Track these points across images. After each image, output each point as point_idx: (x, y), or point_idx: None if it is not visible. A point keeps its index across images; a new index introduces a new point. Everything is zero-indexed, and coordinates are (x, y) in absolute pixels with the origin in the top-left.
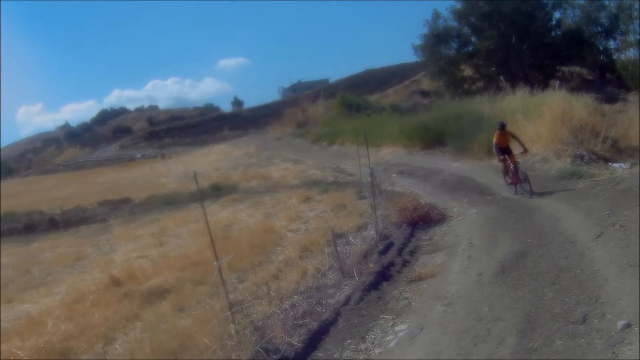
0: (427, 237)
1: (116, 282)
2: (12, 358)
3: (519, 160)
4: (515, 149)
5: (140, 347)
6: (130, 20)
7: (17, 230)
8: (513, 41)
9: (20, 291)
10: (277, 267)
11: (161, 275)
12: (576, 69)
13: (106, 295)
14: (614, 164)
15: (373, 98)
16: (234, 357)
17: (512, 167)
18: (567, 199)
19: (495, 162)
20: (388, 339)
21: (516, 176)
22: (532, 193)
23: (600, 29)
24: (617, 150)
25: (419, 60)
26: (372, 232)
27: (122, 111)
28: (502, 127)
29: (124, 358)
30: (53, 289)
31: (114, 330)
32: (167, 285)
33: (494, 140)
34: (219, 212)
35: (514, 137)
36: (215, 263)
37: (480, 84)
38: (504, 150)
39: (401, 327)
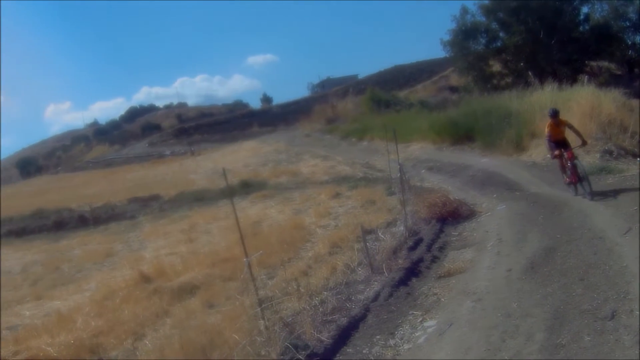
0: (456, 233)
1: (146, 279)
2: (42, 354)
3: (577, 154)
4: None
5: (169, 343)
6: (158, 18)
7: (47, 228)
8: (541, 36)
9: (50, 288)
10: (306, 264)
11: (191, 271)
12: (604, 63)
13: (136, 292)
14: None
15: (402, 94)
16: (263, 353)
17: (569, 163)
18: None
19: (524, 158)
20: (417, 334)
21: (575, 174)
22: (592, 194)
23: (628, 24)
24: None
25: (447, 55)
26: (402, 228)
27: (151, 108)
28: (555, 114)
29: (154, 354)
30: (83, 285)
31: (144, 326)
32: (196, 281)
33: (546, 131)
34: (249, 209)
35: (570, 126)
36: (245, 259)
37: (508, 80)
38: (559, 144)
39: (430, 323)
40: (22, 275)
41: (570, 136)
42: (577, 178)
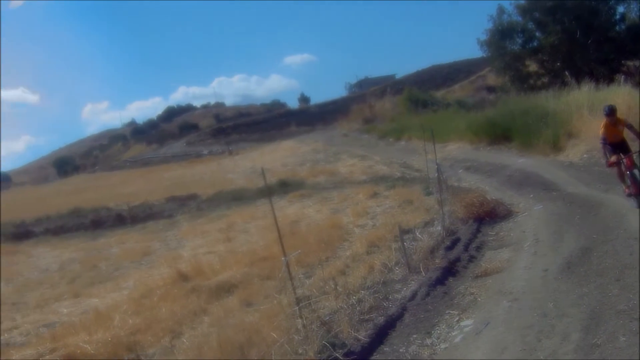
0: (493, 233)
1: (184, 277)
2: (79, 352)
3: (637, 160)
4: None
5: (207, 341)
6: (196, 17)
7: (84, 226)
8: (577, 36)
9: (88, 286)
10: (344, 263)
11: (229, 270)
12: None
13: (173, 290)
14: None
15: (439, 94)
16: (300, 352)
17: (628, 172)
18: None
19: (561, 158)
20: (454, 334)
21: (636, 185)
22: None
23: None
24: None
25: (484, 55)
26: (439, 227)
27: (188, 108)
28: (611, 112)
29: (191, 352)
30: (120, 283)
31: (181, 324)
32: (234, 280)
33: (601, 132)
34: (287, 208)
35: (629, 127)
36: (283, 258)
37: (545, 79)
38: (617, 147)
39: (467, 323)
40: (60, 273)
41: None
42: (638, 189)
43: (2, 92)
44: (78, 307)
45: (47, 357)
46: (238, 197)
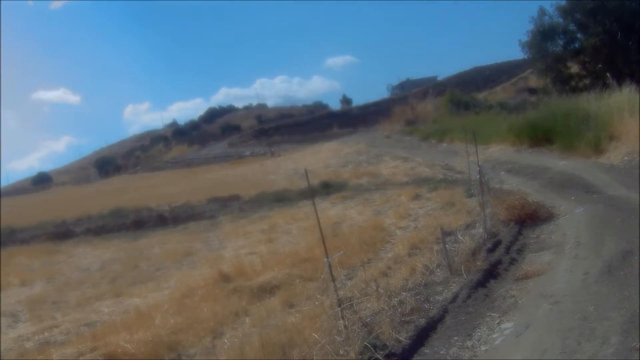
0: (535, 235)
1: (225, 278)
2: (119, 351)
3: None
4: None
5: (249, 342)
6: (237, 18)
7: (126, 226)
8: (619, 37)
9: (129, 286)
10: (386, 264)
11: (271, 271)
12: None
13: (215, 291)
14: None
15: (481, 95)
16: (342, 352)
17: None
18: None
19: (603, 160)
20: (494, 336)
21: None
22: None
23: None
24: None
25: (526, 57)
26: (481, 230)
27: (230, 109)
28: None
29: (233, 352)
30: (162, 283)
31: (223, 324)
32: (276, 281)
33: None
34: (329, 210)
35: None
36: (325, 260)
37: (587, 81)
38: None
39: (507, 325)
40: (101, 273)
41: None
42: None
43: (43, 92)
44: (119, 306)
45: (88, 356)
46: (280, 199)
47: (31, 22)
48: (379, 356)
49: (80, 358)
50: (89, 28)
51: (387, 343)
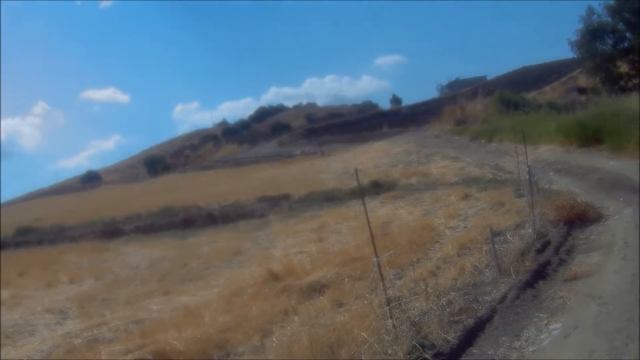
0: (583, 236)
1: (275, 277)
2: (168, 348)
3: None
4: None
5: (297, 340)
6: (286, 18)
7: (175, 225)
8: None
9: (178, 284)
10: (435, 264)
11: (320, 270)
12: None
13: (264, 290)
14: None
15: (530, 95)
16: (390, 352)
17: None
18: None
19: None
20: (542, 337)
21: None
22: None
23: None
24: None
25: (575, 56)
26: (530, 230)
27: (280, 108)
28: None
29: (281, 350)
30: (211, 282)
31: (272, 323)
32: (325, 280)
33: None
34: (378, 209)
35: None
36: (374, 259)
37: (636, 81)
38: None
39: (555, 326)
40: (150, 271)
41: None
42: None
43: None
44: (168, 304)
45: (136, 353)
46: (330, 198)
47: (80, 22)
48: (427, 356)
49: (129, 355)
50: (138, 27)
51: (435, 343)
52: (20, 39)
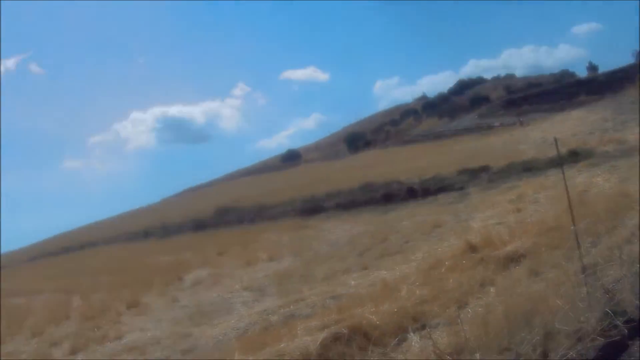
0: None
1: (472, 248)
2: (364, 322)
3: None
4: None
5: (492, 310)
6: None
7: (375, 200)
8: None
9: (377, 258)
10: (630, 231)
11: (517, 240)
12: None
13: (462, 262)
14: None
15: None
16: (582, 319)
17: None
18: None
19: None
20: None
21: None
22: None
23: None
24: None
25: None
26: None
27: (479, 81)
28: None
29: (476, 320)
30: (409, 256)
31: (468, 294)
32: (522, 250)
33: None
34: (576, 178)
35: None
36: (571, 227)
37: None
38: None
39: None
40: (349, 247)
41: None
42: None
43: (292, 72)
44: (366, 279)
45: (332, 328)
46: (529, 168)
47: (277, 3)
48: (618, 322)
49: (325, 330)
50: (337, 6)
51: (627, 309)
52: (221, 24)
